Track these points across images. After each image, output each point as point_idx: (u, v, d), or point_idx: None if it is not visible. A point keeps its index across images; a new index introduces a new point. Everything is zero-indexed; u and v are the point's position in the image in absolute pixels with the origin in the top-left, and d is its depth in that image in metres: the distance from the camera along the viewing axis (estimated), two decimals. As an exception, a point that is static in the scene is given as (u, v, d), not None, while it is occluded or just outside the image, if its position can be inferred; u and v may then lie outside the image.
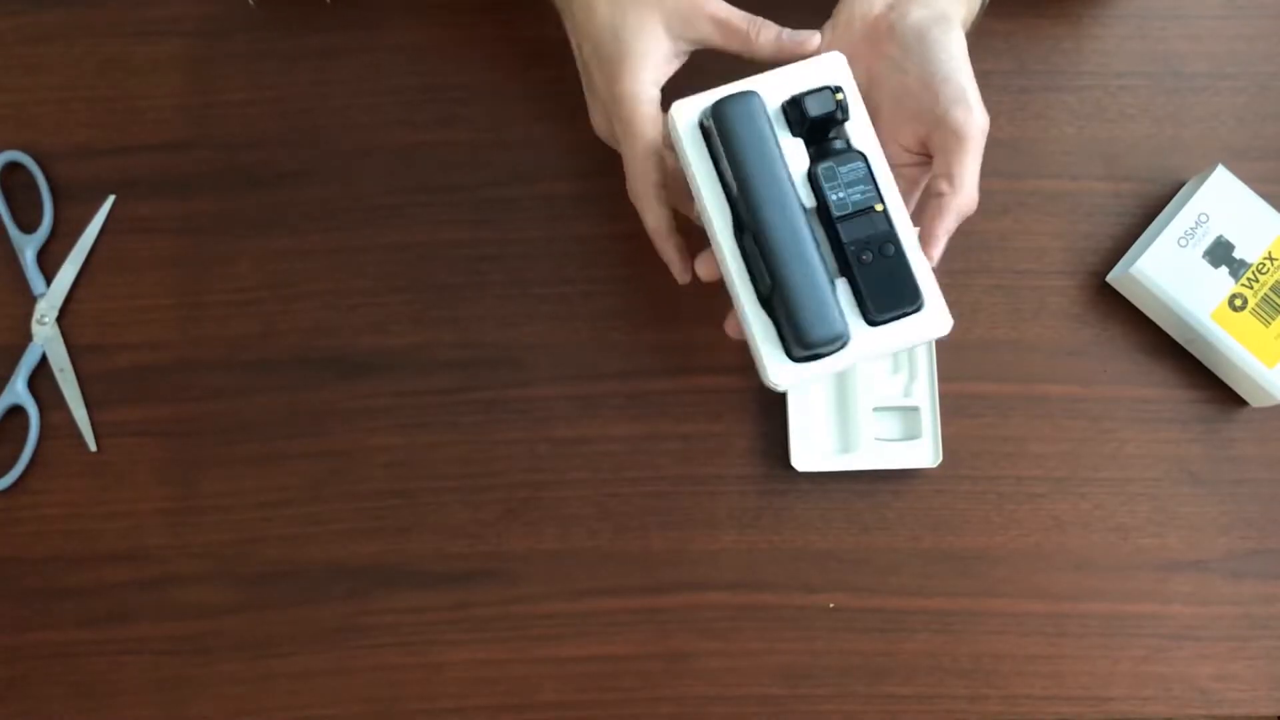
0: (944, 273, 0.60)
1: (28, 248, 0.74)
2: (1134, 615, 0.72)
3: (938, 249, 0.59)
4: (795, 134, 0.59)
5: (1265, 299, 0.70)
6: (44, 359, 0.74)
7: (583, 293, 0.74)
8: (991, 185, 0.75)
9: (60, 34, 0.77)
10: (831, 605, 0.72)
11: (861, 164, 0.58)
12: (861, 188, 0.58)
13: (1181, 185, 0.75)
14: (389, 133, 0.76)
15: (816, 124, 0.58)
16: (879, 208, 0.57)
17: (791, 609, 0.72)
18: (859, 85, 0.61)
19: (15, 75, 0.76)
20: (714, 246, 0.59)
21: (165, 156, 0.76)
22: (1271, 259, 0.70)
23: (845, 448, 0.72)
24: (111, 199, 0.75)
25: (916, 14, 0.60)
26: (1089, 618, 0.72)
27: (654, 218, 0.62)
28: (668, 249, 0.63)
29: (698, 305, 0.74)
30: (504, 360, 0.73)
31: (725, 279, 0.59)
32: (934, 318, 0.58)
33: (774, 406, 0.72)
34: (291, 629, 0.72)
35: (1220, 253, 0.71)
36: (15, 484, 0.73)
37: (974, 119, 0.60)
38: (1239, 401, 0.73)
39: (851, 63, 0.61)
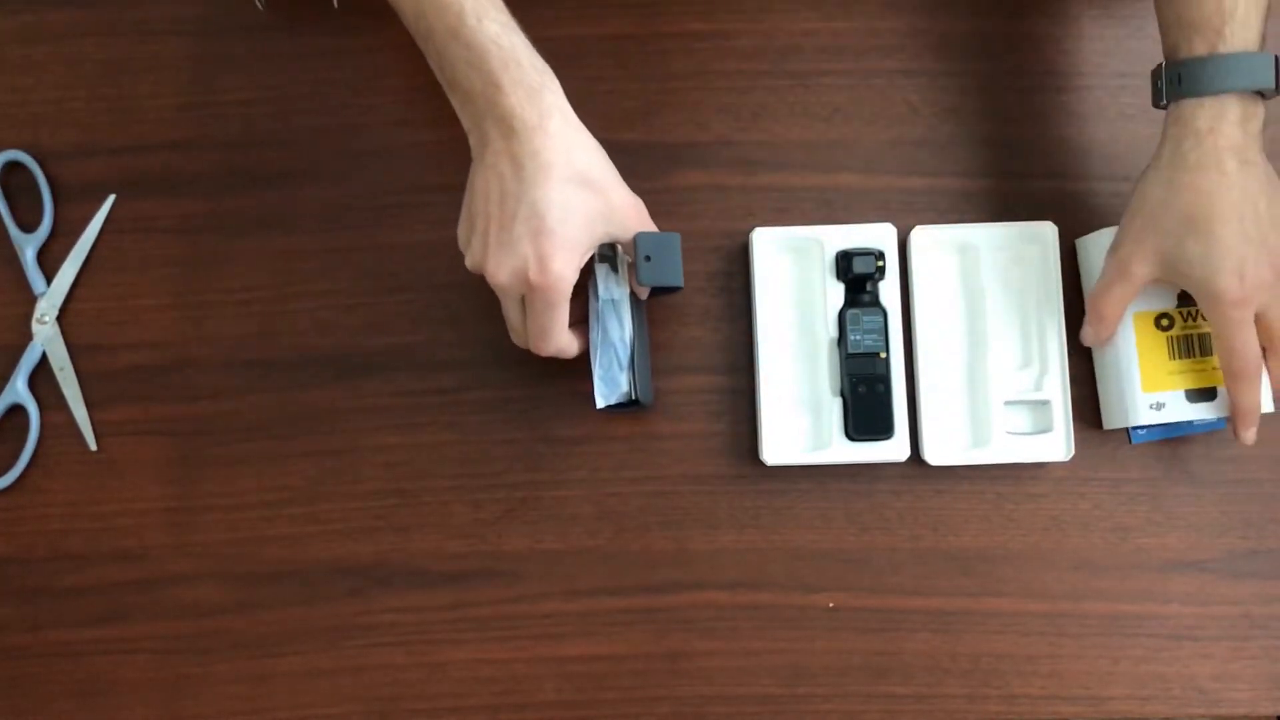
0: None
1: (28, 247, 0.74)
2: (1133, 615, 0.72)
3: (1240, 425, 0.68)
4: (839, 279, 0.72)
5: (1187, 338, 0.69)
6: (44, 358, 0.74)
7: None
8: (991, 186, 0.75)
9: (60, 34, 0.77)
10: (830, 605, 0.72)
11: (880, 318, 0.71)
12: (875, 336, 0.71)
13: (1181, 185, 0.75)
14: (389, 133, 0.76)
15: (857, 278, 0.71)
16: (883, 355, 0.70)
17: (790, 608, 0.72)
18: None
19: (15, 75, 0.77)
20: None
21: (165, 156, 0.76)
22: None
23: (977, 442, 0.72)
24: (111, 199, 0.75)
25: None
26: (1088, 618, 0.72)
27: (574, 346, 0.68)
28: (573, 347, 0.68)
29: (697, 306, 0.74)
30: (504, 360, 0.73)
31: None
32: (898, 446, 0.71)
33: (773, 406, 0.72)
34: (291, 629, 0.72)
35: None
36: (15, 483, 0.73)
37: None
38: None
39: None
